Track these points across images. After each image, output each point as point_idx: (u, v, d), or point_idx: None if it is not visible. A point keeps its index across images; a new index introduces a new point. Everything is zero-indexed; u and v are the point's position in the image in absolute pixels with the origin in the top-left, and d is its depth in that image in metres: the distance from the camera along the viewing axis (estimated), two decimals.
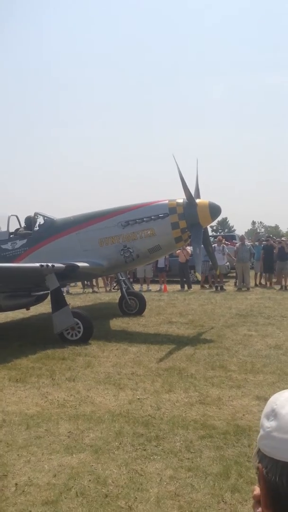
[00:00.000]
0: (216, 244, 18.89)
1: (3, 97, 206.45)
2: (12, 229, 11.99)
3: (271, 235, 26.63)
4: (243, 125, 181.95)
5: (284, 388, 0.96)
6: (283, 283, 18.78)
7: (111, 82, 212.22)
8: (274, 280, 19.65)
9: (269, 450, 0.88)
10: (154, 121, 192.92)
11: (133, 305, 13.02)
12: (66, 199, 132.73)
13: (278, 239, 22.25)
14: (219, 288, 18.45)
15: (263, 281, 20.11)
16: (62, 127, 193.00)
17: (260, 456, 0.90)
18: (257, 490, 0.92)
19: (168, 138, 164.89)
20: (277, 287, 18.76)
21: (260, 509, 0.90)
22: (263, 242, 20.79)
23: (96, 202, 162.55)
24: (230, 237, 27.32)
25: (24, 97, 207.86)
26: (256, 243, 21.62)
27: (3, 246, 11.65)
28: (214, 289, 18.63)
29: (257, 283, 20.07)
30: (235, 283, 19.52)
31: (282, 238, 21.65)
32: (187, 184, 10.38)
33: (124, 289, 13.24)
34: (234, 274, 20.47)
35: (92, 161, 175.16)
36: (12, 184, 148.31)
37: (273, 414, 0.90)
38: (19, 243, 11.63)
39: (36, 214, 11.91)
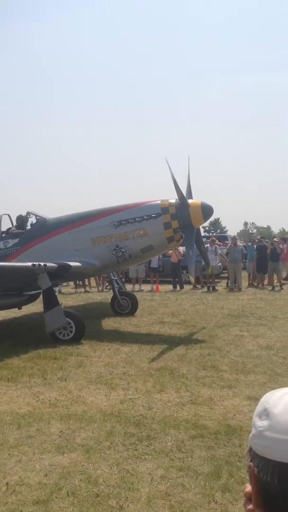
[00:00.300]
0: (208, 245, 18.97)
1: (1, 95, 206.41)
2: (4, 228, 11.98)
3: (263, 237, 26.70)
4: (237, 125, 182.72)
5: (274, 388, 0.97)
6: (275, 283, 18.84)
7: (110, 81, 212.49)
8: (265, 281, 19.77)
9: (261, 449, 0.88)
10: (154, 121, 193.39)
11: (125, 305, 13.01)
12: (63, 199, 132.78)
13: (268, 240, 22.28)
14: (211, 288, 18.49)
15: (255, 282, 20.17)
16: (60, 126, 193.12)
17: (251, 455, 0.90)
18: (248, 487, 0.93)
19: (164, 138, 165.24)
20: (269, 287, 18.80)
21: (251, 506, 0.90)
22: (256, 243, 20.85)
23: (93, 201, 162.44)
24: (222, 238, 27.38)
25: (21, 96, 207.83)
26: (249, 243, 21.65)
27: None
28: (206, 289, 18.67)
29: (251, 283, 20.14)
30: (227, 283, 19.59)
31: (274, 239, 21.72)
32: (182, 184, 10.43)
33: (116, 289, 13.24)
34: (226, 275, 20.53)
35: (90, 160, 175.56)
36: (8, 182, 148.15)
37: (265, 413, 0.90)
38: (11, 242, 11.61)
39: (28, 213, 11.89)
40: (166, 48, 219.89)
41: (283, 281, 19.59)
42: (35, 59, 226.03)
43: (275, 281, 18.98)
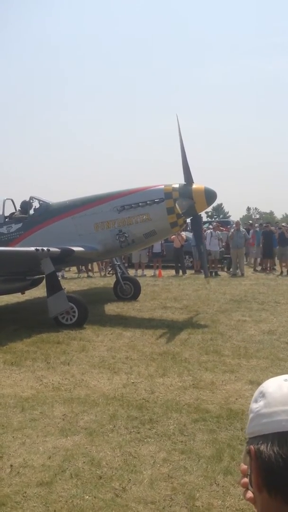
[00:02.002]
0: (212, 230, 18.96)
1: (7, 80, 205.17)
2: (7, 213, 11.97)
3: (269, 222, 26.65)
4: (239, 109, 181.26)
5: (276, 373, 0.99)
6: (285, 268, 18.86)
7: (110, 67, 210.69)
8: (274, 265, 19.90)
9: (259, 428, 0.89)
10: (154, 106, 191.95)
11: (128, 290, 13.03)
12: (66, 183, 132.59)
13: (275, 226, 22.26)
14: (213, 273, 18.48)
15: (263, 266, 20.32)
16: (66, 110, 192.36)
17: (249, 444, 0.91)
18: (244, 477, 0.93)
19: (165, 123, 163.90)
20: (277, 272, 18.86)
21: (250, 493, 0.91)
22: (263, 228, 20.85)
23: (96, 186, 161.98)
24: (225, 223, 27.35)
25: (25, 79, 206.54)
26: (257, 229, 21.61)
27: None
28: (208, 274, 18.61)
29: (258, 267, 20.25)
30: (227, 267, 19.69)
31: (283, 224, 21.65)
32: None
33: (119, 274, 13.24)
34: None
35: (93, 145, 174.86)
36: (11, 167, 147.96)
37: (261, 395, 0.92)
38: (15, 227, 11.60)
39: (31, 198, 11.86)
40: (165, 33, 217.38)
41: None
42: (39, 43, 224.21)
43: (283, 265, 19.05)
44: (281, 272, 18.58)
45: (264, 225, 21.77)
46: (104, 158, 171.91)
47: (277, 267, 19.35)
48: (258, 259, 20.71)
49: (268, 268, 19.77)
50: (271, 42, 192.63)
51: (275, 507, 0.84)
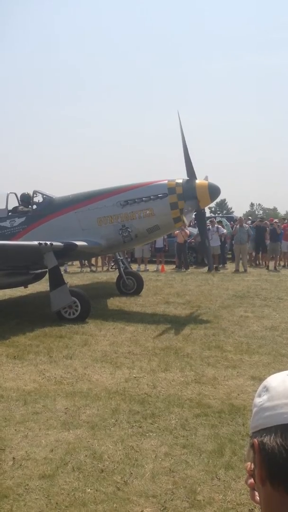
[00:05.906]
0: (210, 226, 18.92)
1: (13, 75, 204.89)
2: (10, 207, 11.96)
3: (263, 217, 26.79)
4: (243, 105, 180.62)
5: (279, 369, 0.99)
6: (276, 264, 19.11)
7: (113, 61, 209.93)
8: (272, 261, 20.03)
9: (262, 421, 0.89)
10: (155, 100, 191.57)
11: (130, 285, 13.04)
12: (70, 177, 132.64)
13: (267, 222, 22.38)
14: (214, 269, 18.44)
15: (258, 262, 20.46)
16: (73, 104, 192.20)
17: (253, 437, 0.91)
18: (249, 466, 0.94)
19: (167, 119, 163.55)
20: (273, 269, 18.97)
21: (252, 480, 0.92)
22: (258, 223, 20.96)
23: (99, 180, 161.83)
24: (229, 219, 27.29)
25: (31, 73, 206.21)
26: (251, 224, 21.68)
27: (2, 224, 11.62)
28: (206, 270, 18.51)
29: (253, 263, 20.40)
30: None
31: (275, 220, 21.68)
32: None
33: (122, 269, 13.25)
34: (230, 256, 20.57)
35: (95, 139, 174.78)
36: (15, 160, 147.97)
37: (265, 390, 0.93)
38: (18, 221, 11.60)
39: (35, 192, 11.86)
40: (167, 27, 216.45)
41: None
42: (43, 35, 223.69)
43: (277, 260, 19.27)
44: (268, 267, 18.81)
45: (258, 220, 21.87)
46: (106, 153, 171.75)
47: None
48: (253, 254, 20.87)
49: (263, 263, 20.00)
50: (273, 38, 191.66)
51: (278, 499, 0.85)
